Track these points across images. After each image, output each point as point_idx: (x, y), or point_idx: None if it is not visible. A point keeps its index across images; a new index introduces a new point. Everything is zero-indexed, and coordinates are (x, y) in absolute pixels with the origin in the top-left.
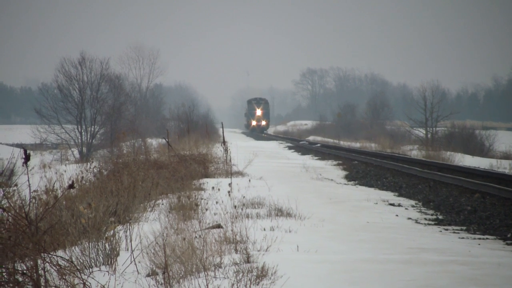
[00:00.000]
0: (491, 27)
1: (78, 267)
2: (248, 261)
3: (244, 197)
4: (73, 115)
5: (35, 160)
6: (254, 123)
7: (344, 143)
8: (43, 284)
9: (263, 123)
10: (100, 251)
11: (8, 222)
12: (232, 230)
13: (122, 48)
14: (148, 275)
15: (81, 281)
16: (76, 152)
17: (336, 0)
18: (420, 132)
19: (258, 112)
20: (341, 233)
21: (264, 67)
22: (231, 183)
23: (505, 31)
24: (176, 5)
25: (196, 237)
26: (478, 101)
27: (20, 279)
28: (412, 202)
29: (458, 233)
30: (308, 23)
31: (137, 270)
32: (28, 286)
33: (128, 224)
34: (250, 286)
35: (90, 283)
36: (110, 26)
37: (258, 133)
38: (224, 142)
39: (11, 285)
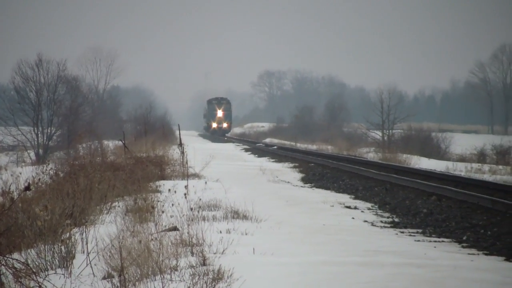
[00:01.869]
0: (449, 29)
1: (34, 270)
2: (204, 264)
3: (200, 199)
4: (29, 117)
5: None
6: (214, 125)
7: (301, 145)
8: None
9: (225, 125)
10: (56, 254)
11: None
12: (188, 233)
13: (80, 50)
14: (104, 278)
15: (36, 284)
16: (32, 154)
17: (294, 3)
18: (377, 134)
19: (219, 113)
20: (298, 236)
21: (222, 69)
22: (187, 185)
23: (463, 33)
24: (134, 7)
25: (152, 239)
26: (435, 103)
27: None
28: (369, 204)
29: (414, 235)
30: (266, 25)
31: (93, 273)
32: None
33: (84, 226)
34: None
35: (46, 286)
36: (68, 28)
37: (219, 136)
38: (181, 144)
39: None
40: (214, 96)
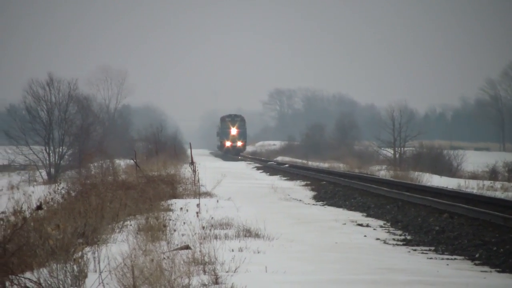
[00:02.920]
0: (459, 47)
1: None
2: (216, 282)
3: (212, 218)
4: (41, 136)
5: (2, 181)
6: (228, 143)
7: (312, 164)
8: None
9: (239, 143)
10: (68, 273)
11: None
12: (200, 251)
13: (91, 69)
14: None
15: None
16: (44, 173)
17: (303, 22)
18: (388, 152)
19: (233, 131)
20: (310, 254)
21: (233, 87)
22: (199, 203)
23: (473, 51)
24: (145, 26)
25: (164, 258)
26: (446, 121)
27: None
28: (381, 222)
29: (427, 253)
30: (277, 43)
31: None
32: None
33: (96, 245)
34: None
35: None
36: (79, 47)
37: (233, 156)
38: (192, 163)
39: None
40: (227, 113)
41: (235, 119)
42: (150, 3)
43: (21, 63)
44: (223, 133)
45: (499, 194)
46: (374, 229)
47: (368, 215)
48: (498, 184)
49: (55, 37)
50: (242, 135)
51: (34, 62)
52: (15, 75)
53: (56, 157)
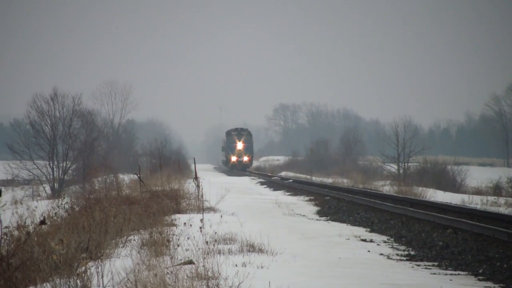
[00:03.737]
0: (464, 62)
1: None
2: None
3: (216, 233)
4: (45, 151)
5: (6, 196)
6: (234, 158)
7: (316, 179)
8: None
9: (246, 158)
10: None
11: None
12: (204, 266)
13: (95, 84)
14: None
15: None
16: (48, 188)
17: (307, 36)
18: (392, 167)
19: (239, 145)
20: (313, 269)
21: (237, 102)
22: (203, 218)
23: (478, 66)
24: (149, 41)
25: (167, 273)
26: (451, 136)
27: None
28: (384, 237)
29: (430, 268)
30: (281, 58)
31: None
32: None
33: (99, 260)
34: None
35: None
36: (83, 62)
37: (239, 171)
38: (196, 178)
39: None
40: (232, 127)
41: (242, 133)
42: (157, 20)
43: (25, 78)
44: (229, 148)
45: (503, 210)
46: (378, 245)
47: (372, 231)
48: (502, 200)
49: (59, 51)
50: (249, 149)
51: (38, 77)
52: (19, 89)
53: (60, 172)
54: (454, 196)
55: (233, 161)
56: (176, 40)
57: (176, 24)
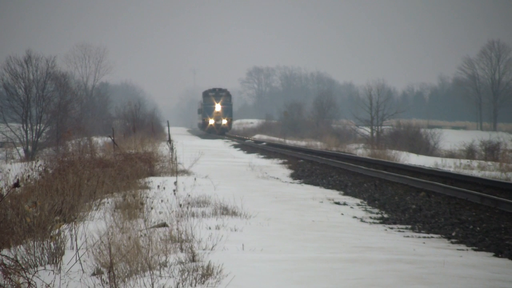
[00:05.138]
0: (438, 26)
1: (23, 266)
2: (193, 260)
3: (189, 195)
4: (18, 114)
5: None
6: (211, 121)
7: (290, 142)
8: None
9: (224, 122)
10: (45, 250)
11: None
12: (177, 229)
13: (69, 47)
14: (93, 274)
15: (26, 280)
16: (21, 150)
17: (283, 0)
18: (366, 130)
19: (218, 107)
20: (287, 232)
21: (211, 66)
22: (176, 181)
23: (452, 30)
24: (124, 5)
25: (141, 236)
26: (424, 100)
27: None
28: (358, 200)
29: (403, 231)
30: (255, 22)
31: (82, 269)
32: None
33: (73, 223)
34: (195, 285)
35: (35, 282)
36: (58, 25)
37: (218, 135)
38: (170, 141)
39: None
40: (210, 87)
41: (220, 93)
42: None
43: None
44: (206, 110)
45: (476, 173)
46: (351, 208)
47: (346, 194)
48: (475, 163)
49: (34, 14)
50: (228, 111)
51: (12, 39)
52: None
53: (34, 135)
54: (428, 159)
55: (211, 124)
56: (151, 5)
57: None
